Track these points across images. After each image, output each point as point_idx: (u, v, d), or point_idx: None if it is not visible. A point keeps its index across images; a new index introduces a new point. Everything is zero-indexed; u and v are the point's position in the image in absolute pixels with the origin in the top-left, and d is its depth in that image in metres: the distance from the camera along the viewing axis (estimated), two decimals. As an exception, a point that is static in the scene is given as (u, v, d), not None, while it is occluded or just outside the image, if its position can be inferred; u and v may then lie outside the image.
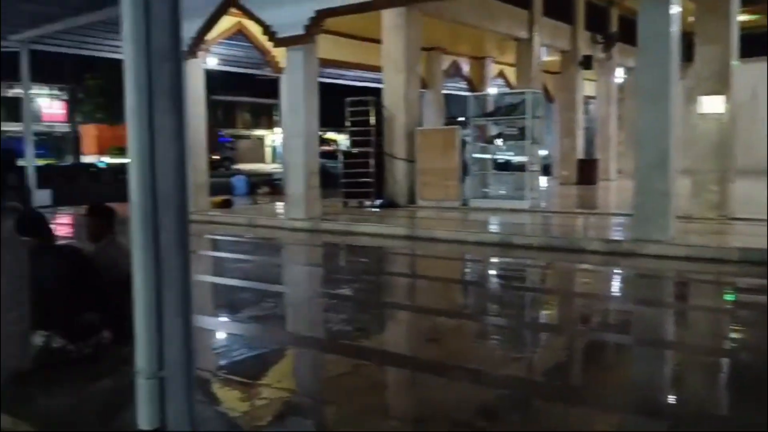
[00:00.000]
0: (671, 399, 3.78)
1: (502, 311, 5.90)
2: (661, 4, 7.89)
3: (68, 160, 42.91)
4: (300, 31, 10.72)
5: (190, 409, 2.80)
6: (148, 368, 2.70)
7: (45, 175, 18.68)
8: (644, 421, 3.30)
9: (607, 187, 18.59)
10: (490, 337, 5.10)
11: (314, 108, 11.25)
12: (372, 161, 13.55)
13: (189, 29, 11.70)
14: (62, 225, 12.70)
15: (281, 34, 11.04)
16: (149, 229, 2.71)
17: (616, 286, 7.41)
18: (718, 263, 7.38)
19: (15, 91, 43.35)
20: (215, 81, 20.23)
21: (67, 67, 43.64)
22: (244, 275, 7.41)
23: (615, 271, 7.73)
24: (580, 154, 20.56)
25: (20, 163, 17.27)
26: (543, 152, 16.12)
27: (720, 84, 10.14)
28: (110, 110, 48.60)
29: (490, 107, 14.33)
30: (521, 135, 12.84)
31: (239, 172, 26.04)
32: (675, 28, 7.94)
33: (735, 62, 10.30)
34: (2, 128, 44.74)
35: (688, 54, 10.36)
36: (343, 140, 42.61)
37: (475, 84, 19.86)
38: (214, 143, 41.44)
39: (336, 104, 14.19)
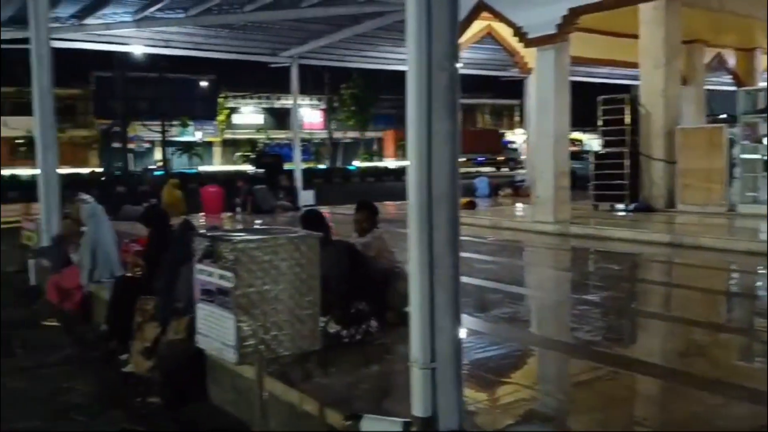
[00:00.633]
0: None
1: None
2: None
3: (324, 164, 47.33)
4: (552, 31, 10.56)
5: (458, 402, 2.93)
6: (423, 359, 2.87)
7: (306, 177, 20.66)
8: None
9: None
10: (761, 354, 4.58)
11: (565, 108, 11.03)
12: (626, 162, 12.90)
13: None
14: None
15: (532, 35, 10.97)
16: (425, 229, 2.88)
17: None
18: None
19: (282, 102, 48.76)
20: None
21: (326, 78, 48.01)
22: (491, 276, 7.48)
23: None
24: None
25: (287, 166, 19.37)
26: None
27: None
28: (362, 117, 52.39)
29: (762, 103, 12.84)
30: (800, 134, 11.34)
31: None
32: None
33: None
34: (273, 136, 50.63)
35: None
36: (588, 140, 41.17)
37: (741, 78, 17.96)
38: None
39: (582, 103, 13.74)
